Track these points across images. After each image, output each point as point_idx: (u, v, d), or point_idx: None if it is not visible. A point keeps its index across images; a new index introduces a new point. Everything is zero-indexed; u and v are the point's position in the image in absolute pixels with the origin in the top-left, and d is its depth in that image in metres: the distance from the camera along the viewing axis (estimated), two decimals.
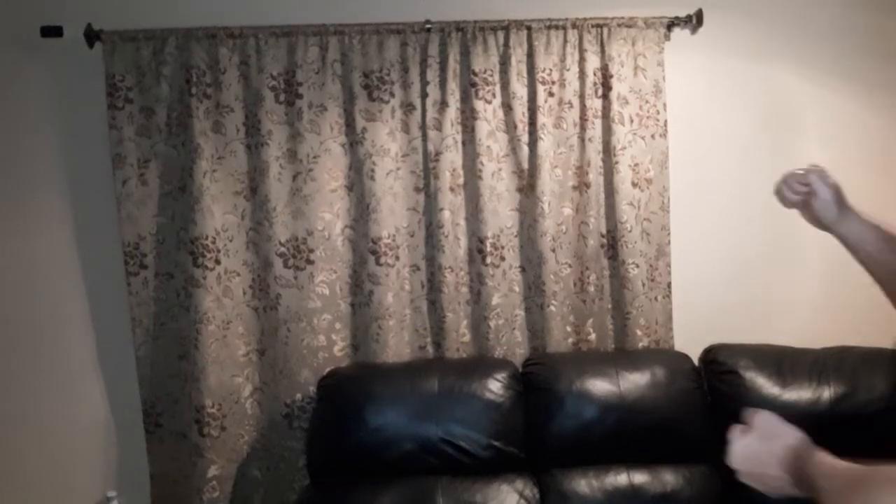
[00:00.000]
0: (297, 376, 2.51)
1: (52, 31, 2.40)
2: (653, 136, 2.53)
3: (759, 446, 1.12)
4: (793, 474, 1.06)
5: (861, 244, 1.28)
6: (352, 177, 2.50)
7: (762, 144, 2.67)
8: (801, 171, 1.31)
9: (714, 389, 2.38)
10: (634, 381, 2.30)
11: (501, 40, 2.47)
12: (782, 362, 2.37)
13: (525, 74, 2.49)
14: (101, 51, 2.38)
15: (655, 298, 2.57)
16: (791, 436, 1.12)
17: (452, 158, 2.49)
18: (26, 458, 2.57)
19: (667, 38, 2.56)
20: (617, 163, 2.51)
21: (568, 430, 2.26)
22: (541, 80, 2.48)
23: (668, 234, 2.58)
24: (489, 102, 2.48)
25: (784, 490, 1.09)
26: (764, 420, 1.14)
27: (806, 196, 1.31)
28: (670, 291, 2.59)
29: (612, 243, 2.57)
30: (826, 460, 1.04)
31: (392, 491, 2.20)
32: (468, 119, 2.50)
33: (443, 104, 2.47)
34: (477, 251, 2.54)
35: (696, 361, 2.46)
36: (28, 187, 2.51)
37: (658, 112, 2.53)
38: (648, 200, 2.55)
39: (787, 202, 1.33)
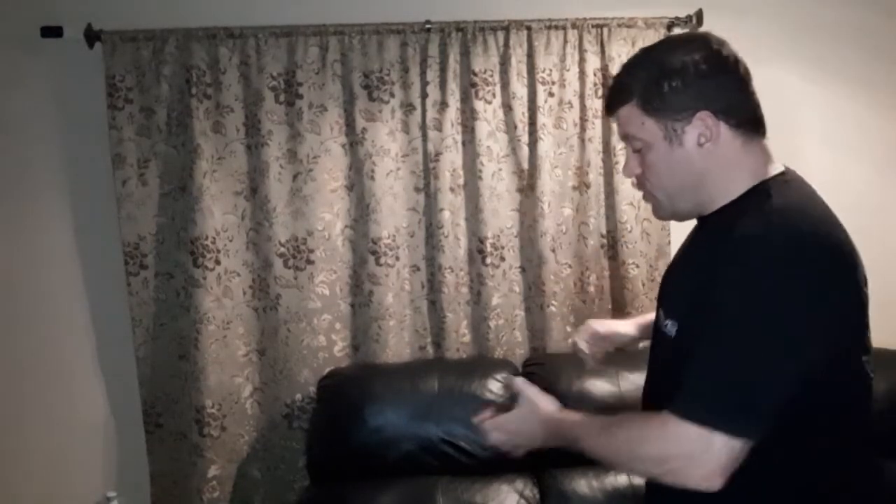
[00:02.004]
0: (297, 376, 2.51)
1: (52, 31, 2.40)
2: None
3: (518, 424, 1.30)
4: (552, 437, 1.25)
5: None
6: (352, 177, 2.50)
7: None
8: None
9: None
10: (634, 382, 2.30)
11: (501, 40, 2.47)
12: None
13: (525, 75, 2.49)
14: (101, 51, 2.38)
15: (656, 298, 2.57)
16: (545, 405, 1.29)
17: (452, 159, 2.49)
18: (26, 458, 2.57)
19: None
20: (617, 163, 2.50)
21: None
22: (541, 80, 2.48)
23: (668, 234, 2.58)
24: (489, 103, 2.48)
25: (531, 447, 1.31)
26: (522, 390, 1.31)
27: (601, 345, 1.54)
28: None
29: (612, 243, 2.57)
30: (576, 417, 1.23)
31: (392, 491, 2.20)
32: (468, 119, 2.50)
33: (443, 104, 2.47)
34: (477, 251, 2.54)
35: None
36: (28, 187, 2.51)
37: None
38: None
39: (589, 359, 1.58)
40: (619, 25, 2.49)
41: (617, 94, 1.18)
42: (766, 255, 1.03)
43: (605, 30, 2.49)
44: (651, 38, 2.51)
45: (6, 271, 2.52)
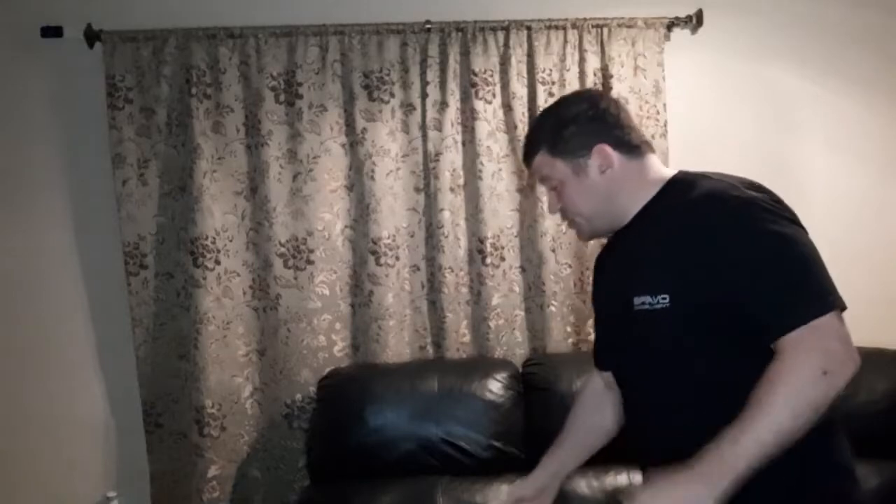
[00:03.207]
0: (297, 376, 2.50)
1: (52, 31, 2.40)
2: (653, 136, 2.53)
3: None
4: (713, 481, 1.09)
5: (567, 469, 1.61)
6: (352, 177, 2.50)
7: (762, 144, 2.66)
8: None
9: None
10: None
11: (501, 40, 2.47)
12: None
13: (525, 74, 2.49)
14: (101, 51, 2.38)
15: None
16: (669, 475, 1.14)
17: (452, 159, 2.49)
18: (26, 458, 2.56)
19: (667, 38, 2.56)
20: None
21: None
22: (541, 80, 2.49)
23: None
24: (489, 103, 2.48)
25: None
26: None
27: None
28: None
29: None
30: (709, 450, 1.10)
31: (392, 491, 2.20)
32: (468, 119, 2.50)
33: (443, 104, 2.47)
34: (477, 251, 2.54)
35: None
36: (28, 187, 2.51)
37: (658, 112, 2.53)
38: None
39: None
40: (619, 25, 2.49)
41: (529, 147, 1.44)
42: (740, 197, 1.25)
43: (605, 30, 2.49)
44: (651, 38, 2.51)
45: (6, 271, 2.52)
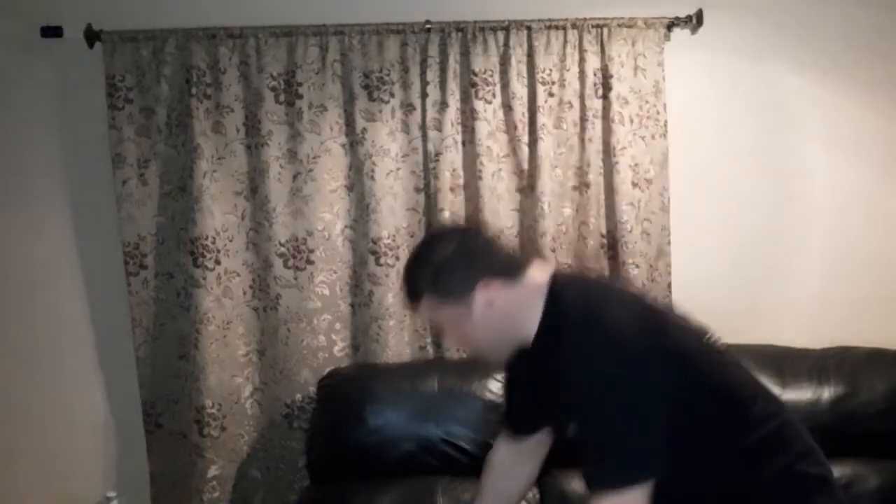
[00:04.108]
0: (297, 376, 2.51)
1: (52, 31, 2.40)
2: (653, 137, 2.53)
3: None
4: None
5: None
6: (352, 177, 2.50)
7: (762, 144, 2.67)
8: None
9: None
10: None
11: (501, 40, 2.47)
12: (782, 362, 2.37)
13: (525, 75, 2.49)
14: (101, 51, 2.38)
15: (655, 299, 2.57)
16: None
17: (452, 159, 2.49)
18: (26, 458, 2.57)
19: (667, 38, 2.56)
20: (617, 163, 2.50)
21: None
22: (541, 80, 2.48)
23: (668, 234, 2.58)
24: (489, 103, 2.48)
25: None
26: None
27: None
28: (670, 291, 2.59)
29: (612, 243, 2.57)
30: None
31: (392, 491, 2.20)
32: (468, 119, 2.50)
33: (443, 104, 2.47)
34: None
35: None
36: (28, 187, 2.51)
37: (658, 112, 2.53)
38: (648, 200, 2.55)
39: None
40: (619, 25, 2.49)
41: (411, 293, 1.42)
42: (584, 347, 1.26)
43: (605, 30, 2.49)
44: (651, 38, 2.51)
45: (6, 271, 2.52)
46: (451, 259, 1.37)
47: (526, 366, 1.44)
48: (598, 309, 1.30)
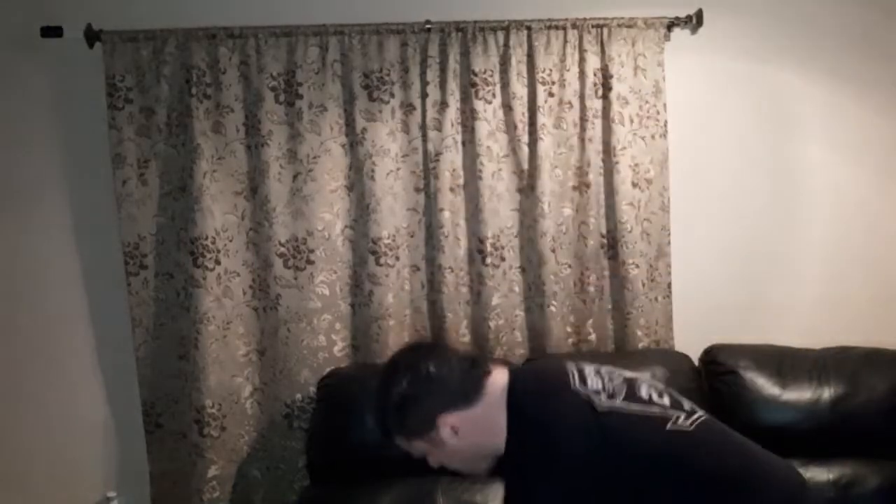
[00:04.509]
0: (297, 376, 2.50)
1: (52, 31, 2.40)
2: (653, 137, 2.53)
3: None
4: None
5: None
6: (352, 177, 2.50)
7: (762, 144, 2.67)
8: None
9: (714, 390, 2.38)
10: None
11: (501, 40, 2.47)
12: (782, 362, 2.37)
13: (525, 75, 2.48)
14: (101, 51, 2.38)
15: (655, 299, 2.57)
16: None
17: (452, 159, 2.49)
18: (26, 458, 2.57)
19: (667, 38, 2.56)
20: (617, 163, 2.50)
21: None
22: (541, 80, 2.48)
23: (668, 234, 2.58)
24: (489, 103, 2.48)
25: None
26: None
27: None
28: (670, 292, 2.59)
29: (612, 243, 2.57)
30: None
31: (392, 491, 2.20)
32: (468, 119, 2.50)
33: (443, 104, 2.47)
34: (477, 251, 2.54)
35: (696, 362, 2.46)
36: (28, 187, 2.51)
37: (658, 112, 2.53)
38: (648, 200, 2.55)
39: None
40: (619, 25, 2.49)
41: (384, 433, 1.50)
42: (512, 467, 1.35)
43: (605, 30, 2.49)
44: (651, 38, 2.51)
45: (6, 271, 2.53)
46: (405, 401, 1.43)
47: None
48: (540, 420, 1.34)
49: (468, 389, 1.43)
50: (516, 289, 2.56)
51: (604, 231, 2.56)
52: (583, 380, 1.40)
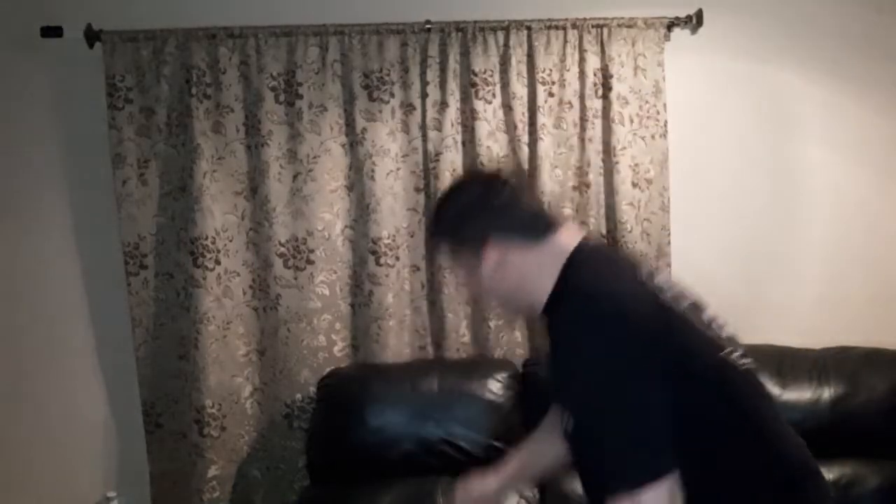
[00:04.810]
0: (297, 376, 2.51)
1: (52, 31, 2.40)
2: (653, 137, 2.53)
3: None
4: None
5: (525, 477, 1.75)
6: (352, 177, 2.50)
7: (762, 144, 2.67)
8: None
9: None
10: None
11: (501, 40, 2.47)
12: (782, 362, 2.37)
13: (525, 75, 2.49)
14: (101, 51, 2.38)
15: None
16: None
17: (452, 159, 2.49)
18: (26, 458, 2.57)
19: (667, 38, 2.56)
20: (617, 163, 2.51)
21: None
22: (541, 80, 2.48)
23: (668, 234, 2.58)
24: (489, 103, 2.48)
25: None
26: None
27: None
28: None
29: (612, 243, 2.57)
30: None
31: (392, 491, 2.20)
32: (468, 119, 2.50)
33: (443, 104, 2.47)
34: None
35: None
36: (28, 187, 2.51)
37: (658, 112, 2.53)
38: (648, 200, 2.55)
39: None
40: (619, 25, 2.49)
41: (431, 235, 1.42)
42: (575, 333, 1.18)
43: (605, 30, 2.49)
44: (651, 38, 2.51)
45: (6, 271, 2.53)
46: (467, 209, 1.33)
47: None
48: (608, 288, 1.20)
49: (536, 227, 1.31)
50: None
51: (604, 231, 2.56)
52: (650, 275, 1.30)
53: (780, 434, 1.28)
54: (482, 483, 1.60)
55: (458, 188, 1.44)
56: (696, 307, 1.30)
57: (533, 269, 1.29)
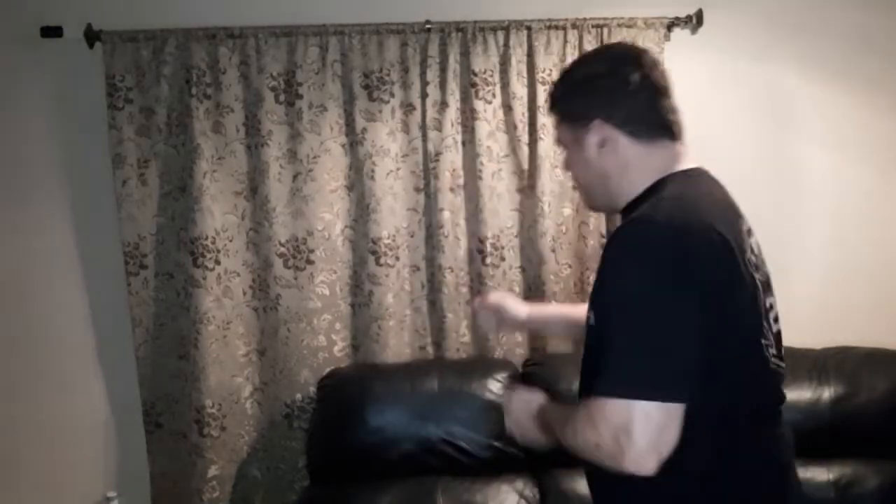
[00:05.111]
0: (297, 376, 2.51)
1: (52, 31, 2.40)
2: None
3: (519, 410, 1.39)
4: (540, 424, 1.32)
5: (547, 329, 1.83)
6: (352, 177, 2.50)
7: (762, 144, 2.66)
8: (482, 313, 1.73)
9: None
10: None
11: (501, 40, 2.47)
12: None
13: (525, 75, 2.49)
14: (101, 51, 2.38)
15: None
16: (536, 397, 1.39)
17: (452, 159, 2.49)
18: (26, 458, 2.57)
19: (667, 38, 2.56)
20: None
21: None
22: (541, 80, 2.48)
23: None
24: (489, 103, 2.48)
25: (535, 438, 1.36)
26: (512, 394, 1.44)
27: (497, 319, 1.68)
28: None
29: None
30: (550, 406, 1.34)
31: (392, 491, 2.20)
32: (468, 119, 2.50)
33: (443, 104, 2.47)
34: (477, 251, 2.54)
35: None
36: (28, 187, 2.51)
37: None
38: None
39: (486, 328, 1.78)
40: (619, 25, 2.49)
41: (549, 102, 1.37)
42: (633, 240, 1.14)
43: (605, 30, 2.49)
44: (651, 38, 2.51)
45: (6, 271, 2.52)
46: (591, 80, 1.28)
47: None
48: (682, 214, 1.14)
49: (654, 126, 1.26)
50: (516, 289, 2.56)
51: (604, 231, 2.56)
52: (748, 231, 1.27)
53: (757, 459, 1.24)
54: (516, 305, 1.68)
55: (590, 59, 1.39)
56: (766, 287, 1.28)
57: (635, 165, 1.25)
